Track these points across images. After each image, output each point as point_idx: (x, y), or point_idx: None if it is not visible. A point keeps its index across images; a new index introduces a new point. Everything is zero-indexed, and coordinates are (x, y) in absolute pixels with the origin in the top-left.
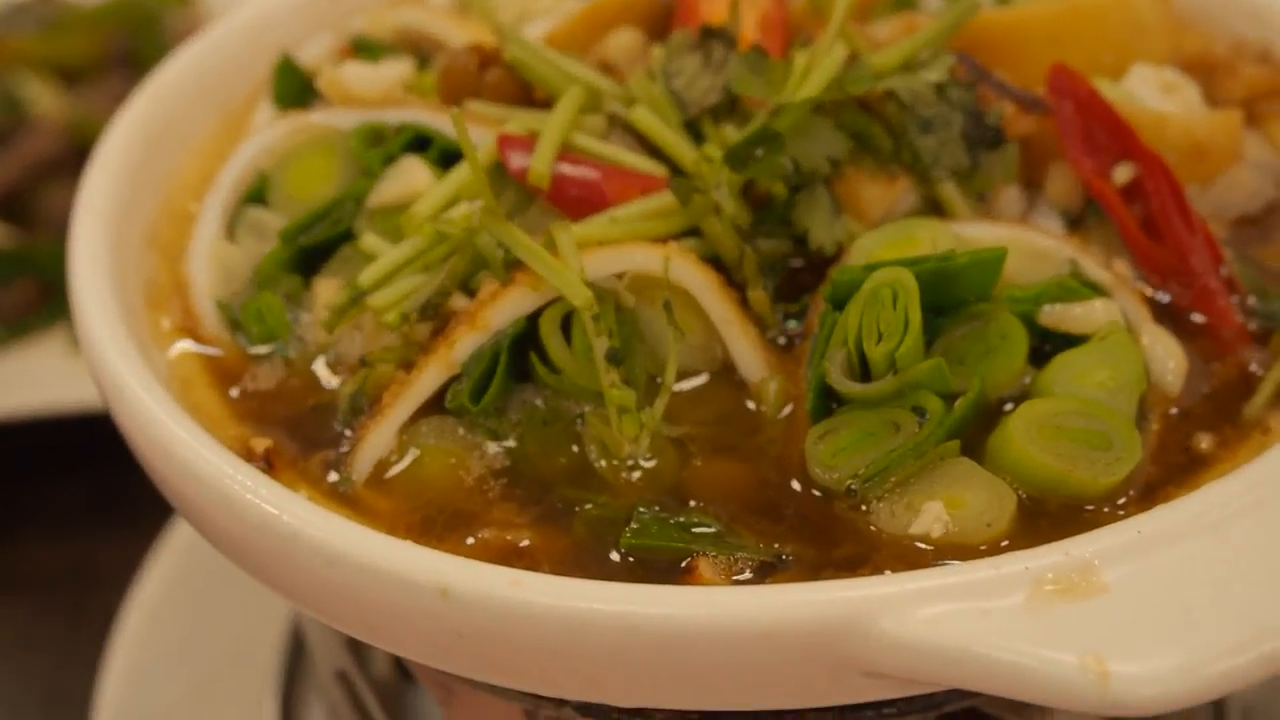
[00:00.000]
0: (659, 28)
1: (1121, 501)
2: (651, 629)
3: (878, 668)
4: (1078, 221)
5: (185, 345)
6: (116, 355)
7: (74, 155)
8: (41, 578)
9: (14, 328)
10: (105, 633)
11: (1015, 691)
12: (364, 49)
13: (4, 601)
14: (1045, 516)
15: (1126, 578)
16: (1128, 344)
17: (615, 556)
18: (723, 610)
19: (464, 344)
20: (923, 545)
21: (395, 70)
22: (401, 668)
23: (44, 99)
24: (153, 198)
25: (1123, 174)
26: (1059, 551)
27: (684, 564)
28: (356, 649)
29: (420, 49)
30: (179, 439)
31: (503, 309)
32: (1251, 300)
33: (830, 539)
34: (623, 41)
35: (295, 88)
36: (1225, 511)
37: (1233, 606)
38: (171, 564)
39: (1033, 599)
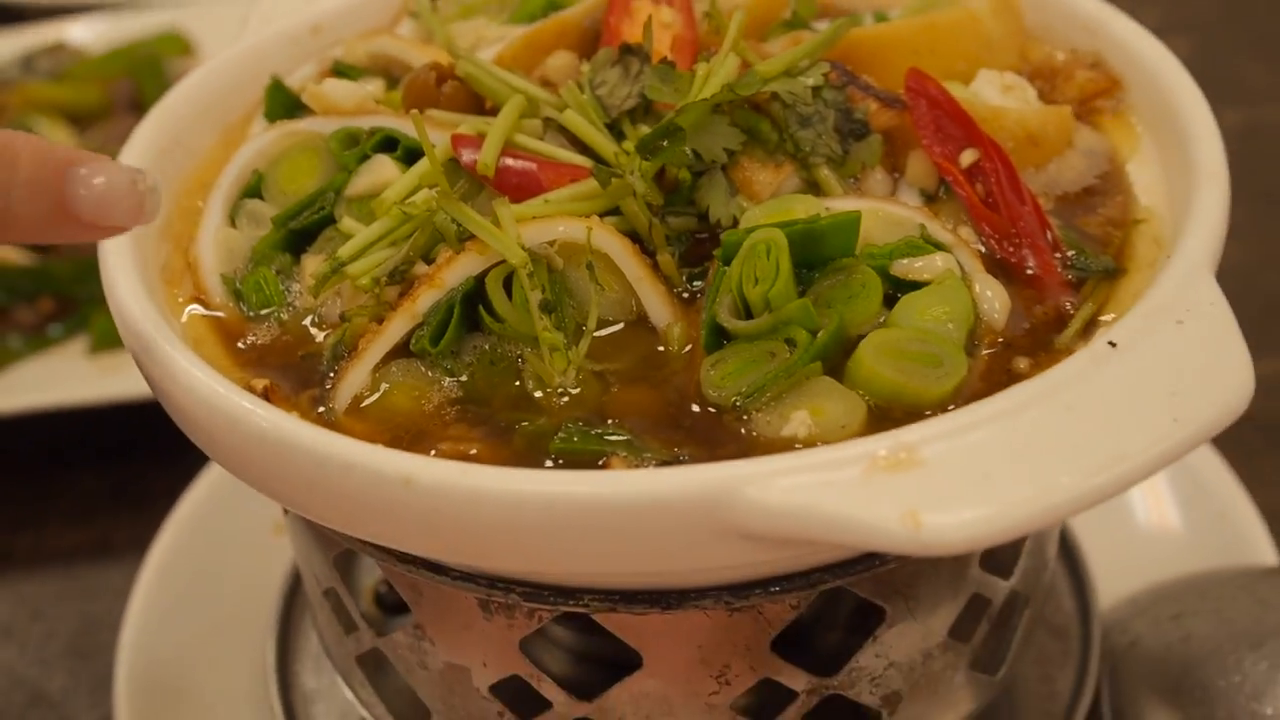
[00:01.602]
0: (588, 51)
1: (951, 409)
2: (570, 503)
3: (749, 529)
4: (933, 198)
5: (196, 310)
6: (143, 320)
7: None
8: (64, 555)
9: (35, 339)
10: (122, 601)
11: (851, 541)
12: (342, 72)
13: (32, 574)
14: (890, 420)
15: (940, 453)
16: (959, 287)
17: (548, 463)
18: (626, 486)
19: (425, 299)
20: (794, 445)
21: (368, 87)
22: (379, 597)
23: (57, 139)
24: (165, 198)
25: (968, 158)
26: (889, 437)
27: (600, 462)
28: (343, 568)
29: (389, 71)
30: (196, 377)
31: (456, 270)
32: (1071, 256)
33: (719, 442)
34: (559, 62)
35: (284, 105)
36: (1020, 403)
37: (1021, 472)
38: (178, 532)
39: (867, 472)
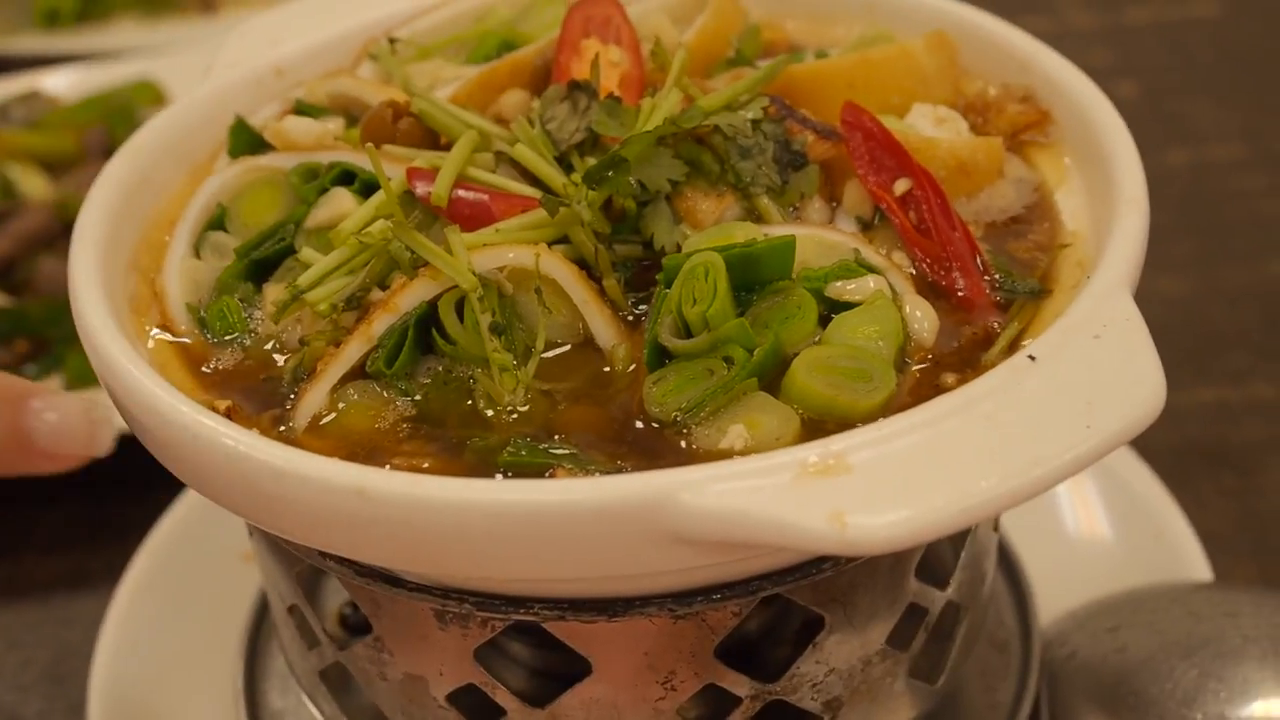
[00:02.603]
0: (540, 89)
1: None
2: (516, 510)
3: (684, 533)
4: (869, 225)
5: (162, 337)
6: (111, 346)
7: (61, 231)
8: (40, 585)
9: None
10: (96, 629)
11: (781, 542)
12: (303, 111)
13: (9, 604)
14: (823, 433)
15: (867, 460)
16: (889, 307)
17: (496, 475)
18: (568, 493)
19: (380, 322)
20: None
21: (328, 125)
22: (343, 619)
23: (32, 184)
24: (133, 233)
25: (901, 186)
26: (820, 445)
27: (547, 474)
28: (307, 587)
29: (349, 110)
30: (160, 398)
31: (410, 295)
32: (1000, 279)
33: (660, 455)
34: (512, 100)
35: (247, 143)
36: (943, 413)
37: (942, 476)
38: (150, 560)
39: (797, 478)
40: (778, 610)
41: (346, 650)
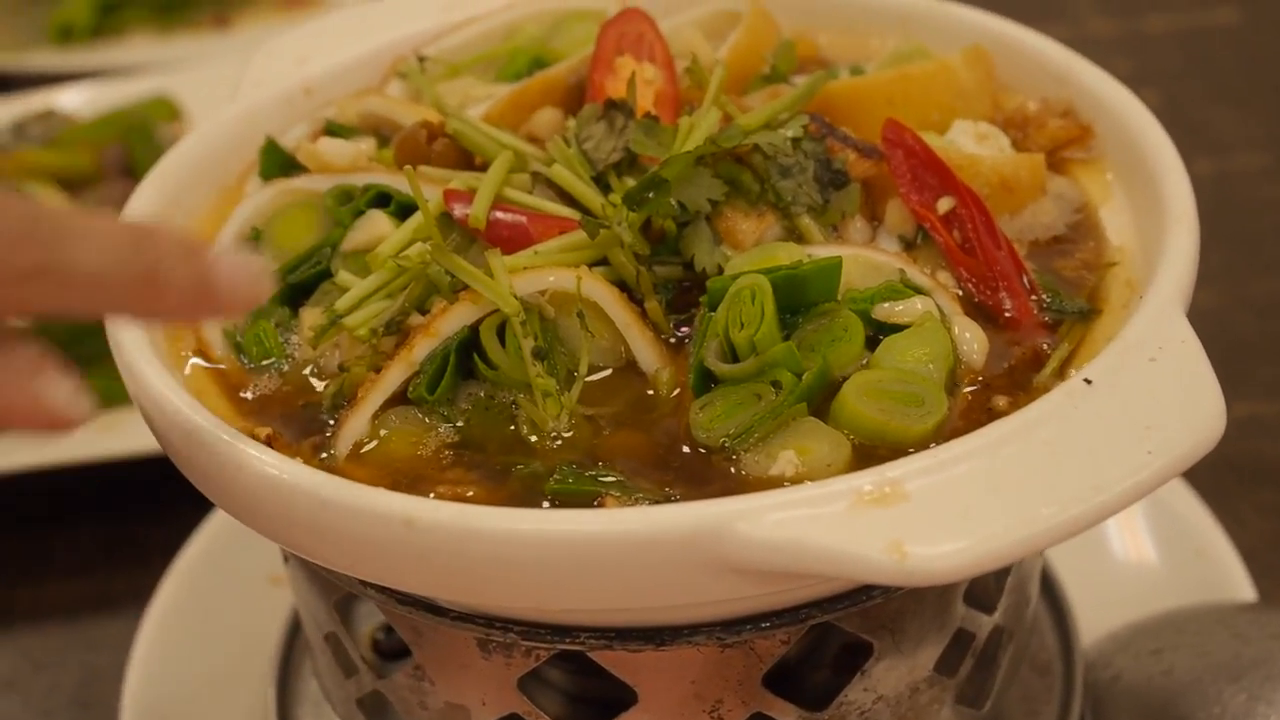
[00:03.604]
0: (573, 107)
1: (932, 446)
2: (566, 541)
3: (739, 563)
4: (911, 244)
5: (198, 363)
6: (150, 374)
7: None
8: (65, 608)
9: None
10: (123, 653)
11: (838, 572)
12: (334, 131)
13: (33, 628)
14: (874, 458)
15: (923, 488)
16: (939, 329)
17: (544, 504)
18: (620, 523)
19: (421, 348)
20: (782, 483)
21: (361, 145)
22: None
23: (51, 202)
24: None
25: (944, 205)
26: (875, 473)
27: (595, 502)
28: (343, 613)
29: (380, 130)
30: (202, 427)
31: (451, 320)
32: (1047, 299)
33: (708, 482)
34: (544, 118)
35: (278, 164)
36: (999, 439)
37: (1001, 505)
38: (178, 584)
39: (853, 506)
40: (817, 635)
41: (386, 679)
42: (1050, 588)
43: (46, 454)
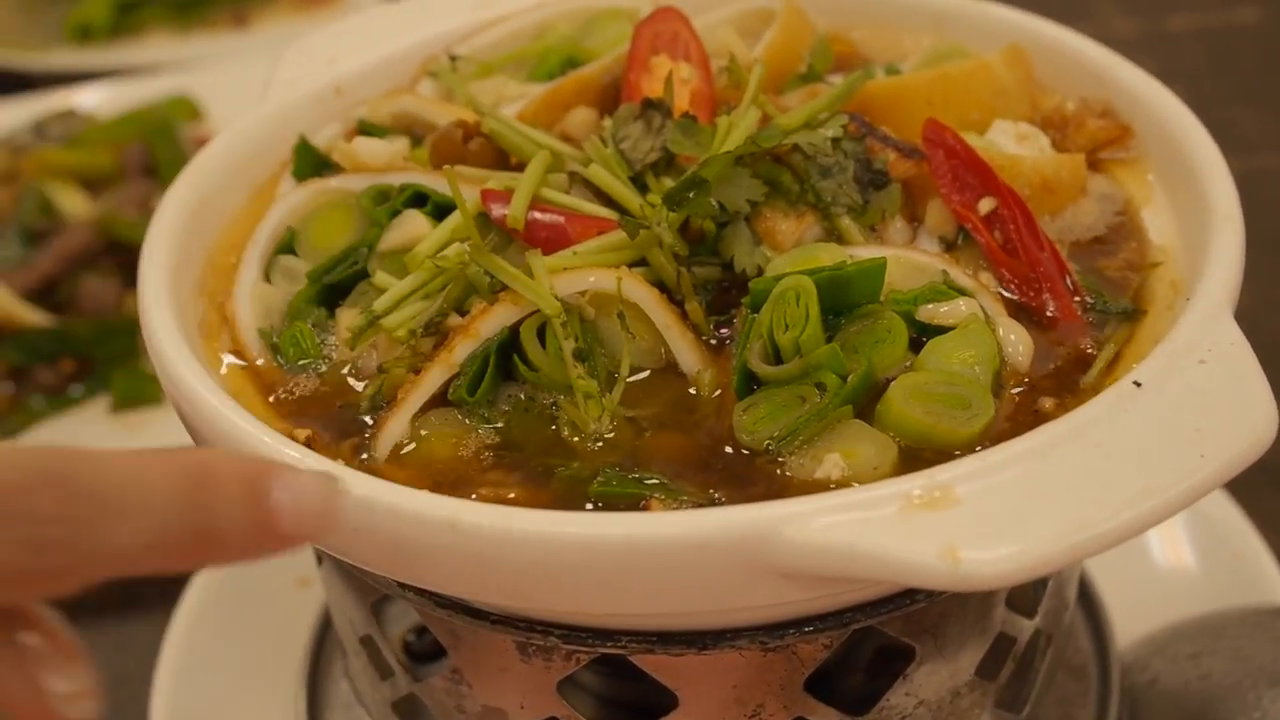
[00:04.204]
0: (607, 106)
1: (979, 450)
2: (613, 545)
3: (788, 568)
4: (952, 245)
5: (234, 363)
6: (188, 375)
7: (104, 249)
8: (90, 610)
9: (56, 399)
10: (151, 654)
11: (890, 577)
12: (367, 131)
13: None
14: (920, 461)
15: (974, 492)
16: (984, 331)
17: (586, 505)
18: (667, 528)
19: (461, 349)
20: (827, 486)
21: (395, 145)
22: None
23: (72, 202)
24: (199, 256)
25: (985, 205)
26: (924, 476)
27: (640, 505)
28: (378, 616)
29: (412, 130)
30: (243, 429)
31: (491, 321)
32: (1091, 299)
33: (752, 484)
34: (579, 118)
35: (311, 164)
36: (1050, 442)
37: (1054, 508)
38: (205, 586)
39: (903, 510)
40: (854, 638)
41: (423, 682)
42: (1085, 590)
43: None
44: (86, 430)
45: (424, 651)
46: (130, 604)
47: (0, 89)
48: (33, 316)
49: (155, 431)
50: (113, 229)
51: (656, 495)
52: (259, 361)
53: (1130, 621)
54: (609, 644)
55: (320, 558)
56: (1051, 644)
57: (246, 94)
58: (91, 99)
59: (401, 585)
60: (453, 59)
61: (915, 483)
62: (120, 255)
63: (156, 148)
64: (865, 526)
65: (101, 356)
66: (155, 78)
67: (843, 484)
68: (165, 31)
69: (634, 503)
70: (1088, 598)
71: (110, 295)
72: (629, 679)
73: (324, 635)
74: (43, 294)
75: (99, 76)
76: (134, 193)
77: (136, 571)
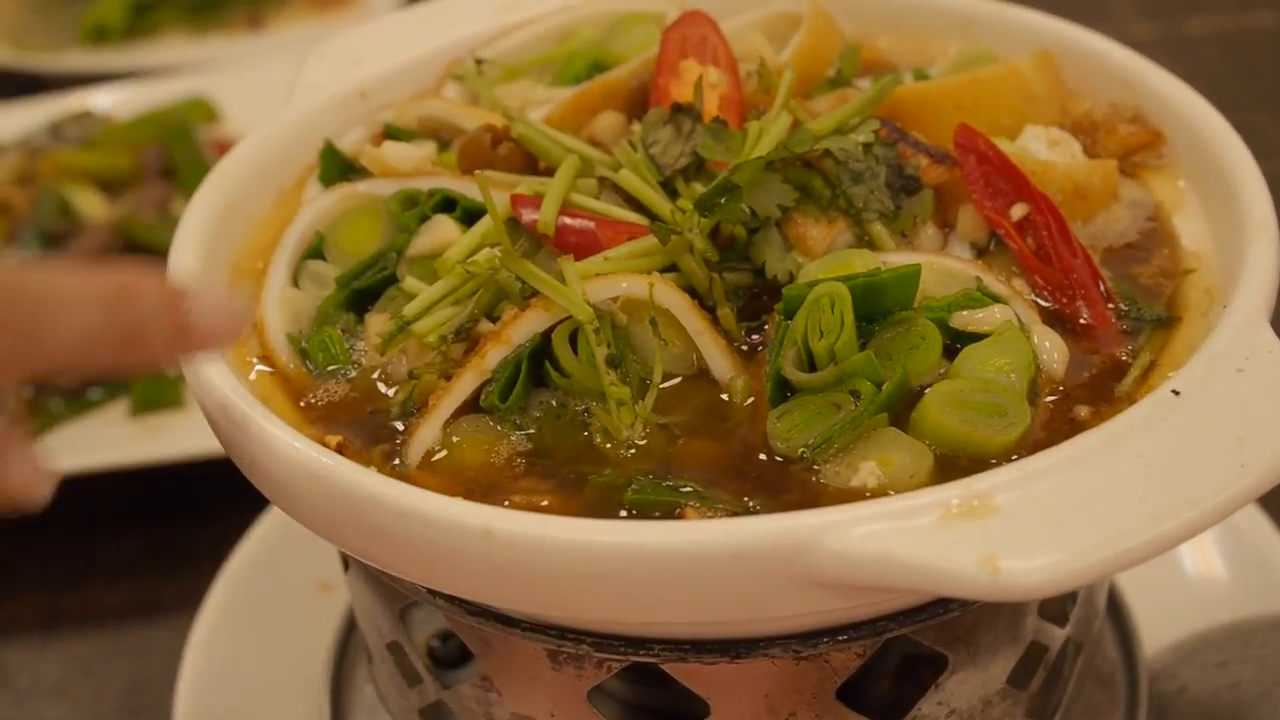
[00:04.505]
0: (635, 111)
1: (1015, 458)
2: (650, 554)
3: (826, 577)
4: (984, 251)
5: (263, 370)
6: (219, 381)
7: (122, 251)
8: (111, 614)
9: (75, 402)
10: (171, 659)
11: (929, 587)
12: (394, 135)
13: (81, 634)
14: (957, 470)
15: (1013, 501)
16: (1020, 338)
17: (620, 513)
18: (704, 536)
19: (493, 355)
20: (863, 494)
21: (423, 149)
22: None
23: (89, 204)
24: (225, 259)
25: (1018, 211)
26: (962, 485)
27: (675, 513)
28: (406, 622)
29: (439, 134)
30: (275, 435)
31: (523, 327)
32: (1125, 307)
33: (786, 492)
34: (606, 122)
35: (337, 168)
36: (1089, 451)
37: (1093, 518)
38: (227, 591)
39: (942, 519)
40: (894, 646)
41: (451, 689)
42: (1112, 598)
43: (92, 458)
44: (105, 434)
45: (448, 657)
46: (151, 609)
47: (15, 90)
48: None
49: (175, 435)
50: (131, 231)
51: (691, 503)
52: (286, 369)
53: (1158, 629)
54: (641, 652)
55: (347, 563)
56: (1081, 652)
57: (263, 96)
58: (107, 100)
59: (431, 592)
60: (478, 62)
61: (953, 491)
62: (138, 257)
63: (174, 150)
64: (904, 535)
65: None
66: (171, 79)
67: (878, 492)
68: (180, 33)
69: (669, 511)
70: (1115, 605)
71: None
72: (658, 686)
73: (347, 640)
74: None
75: (114, 78)
76: (152, 195)
77: (74, 367)
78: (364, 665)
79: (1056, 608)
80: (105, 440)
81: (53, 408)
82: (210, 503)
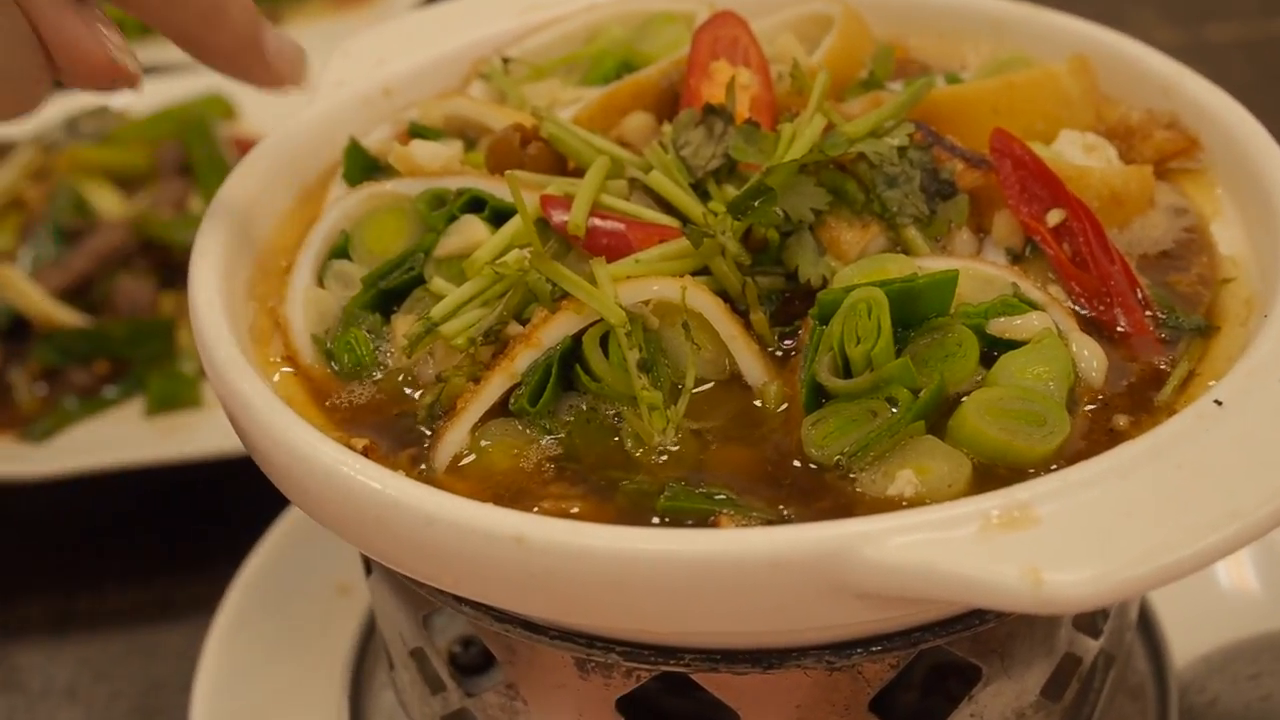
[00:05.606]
0: (664, 111)
1: (1054, 468)
2: (686, 563)
3: (864, 588)
4: (1019, 257)
5: (286, 371)
6: (243, 383)
7: (138, 249)
8: (125, 616)
9: (90, 401)
10: (186, 661)
11: (970, 599)
12: (419, 134)
13: (94, 636)
14: (996, 479)
15: (1055, 512)
16: (1059, 346)
17: (653, 520)
18: (742, 545)
19: (523, 358)
20: (899, 503)
21: (451, 148)
22: (452, 658)
23: (106, 201)
24: (249, 260)
25: (1054, 217)
26: (1002, 495)
27: (709, 521)
28: (429, 629)
29: (465, 133)
30: (300, 438)
31: (553, 330)
32: (1163, 315)
33: (819, 499)
34: (635, 123)
35: (361, 167)
36: (1131, 462)
37: (1137, 530)
38: (244, 594)
39: (982, 530)
40: (928, 657)
41: (476, 697)
42: (1142, 609)
43: (105, 457)
44: (120, 433)
45: (470, 664)
46: (164, 611)
47: None
48: (67, 316)
49: (190, 436)
50: (148, 229)
51: (725, 511)
52: (310, 370)
53: (1188, 640)
54: (671, 661)
55: (370, 567)
56: (1114, 664)
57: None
58: (123, 95)
59: (457, 599)
60: (505, 61)
61: (993, 501)
62: (156, 255)
63: (192, 147)
64: (944, 546)
65: (136, 358)
66: (186, 75)
67: (915, 501)
68: None
69: (702, 519)
70: (1144, 616)
71: (146, 296)
72: (684, 695)
73: (366, 644)
74: (77, 294)
75: None
76: (169, 192)
77: (164, 10)
78: (383, 670)
79: (1089, 619)
80: (119, 439)
81: (68, 406)
82: (223, 504)
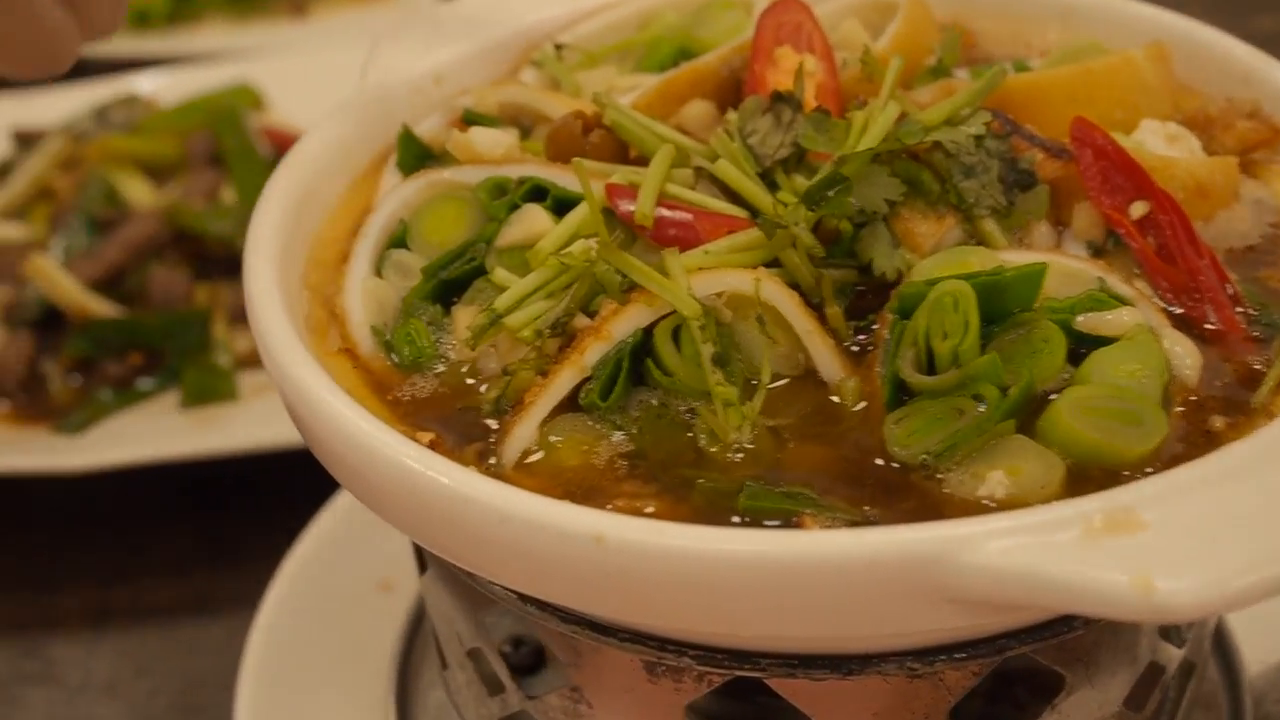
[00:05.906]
0: (724, 99)
1: (1149, 470)
2: (776, 565)
3: (960, 594)
4: (1100, 251)
5: (345, 363)
6: (305, 375)
7: (170, 239)
8: (163, 610)
9: (125, 393)
10: (226, 658)
11: (1077, 606)
12: (473, 121)
13: (132, 631)
14: (1090, 481)
15: (1162, 517)
16: (1152, 342)
17: (732, 520)
18: (836, 547)
19: (593, 351)
20: (988, 505)
21: (510, 136)
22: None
23: (137, 191)
24: (301, 248)
25: (1138, 209)
26: (1104, 499)
27: (792, 521)
28: (486, 629)
29: (519, 120)
30: (366, 432)
31: (624, 322)
32: (1254, 312)
33: (906, 500)
34: (695, 111)
35: (415, 155)
36: (1237, 465)
37: (1249, 536)
38: (285, 590)
39: (1085, 534)
40: (1010, 665)
41: (537, 700)
42: None
43: (141, 451)
44: (156, 426)
45: (520, 664)
46: (203, 605)
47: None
48: (100, 307)
49: (225, 428)
50: (180, 219)
51: (808, 511)
52: (369, 362)
53: (1260, 649)
54: (746, 666)
55: (424, 565)
56: (1193, 674)
57: (308, 83)
58: (151, 85)
59: (522, 598)
60: (557, 48)
61: (1094, 504)
62: (188, 246)
63: (223, 137)
64: (1047, 551)
65: (171, 349)
66: (214, 66)
67: (1006, 504)
68: (223, 19)
69: (785, 519)
70: (1217, 624)
71: (180, 286)
72: (745, 700)
73: (411, 642)
74: (110, 284)
75: (156, 64)
76: (200, 182)
77: None
78: (430, 669)
79: (1174, 627)
80: (155, 432)
81: (102, 398)
82: (261, 497)
